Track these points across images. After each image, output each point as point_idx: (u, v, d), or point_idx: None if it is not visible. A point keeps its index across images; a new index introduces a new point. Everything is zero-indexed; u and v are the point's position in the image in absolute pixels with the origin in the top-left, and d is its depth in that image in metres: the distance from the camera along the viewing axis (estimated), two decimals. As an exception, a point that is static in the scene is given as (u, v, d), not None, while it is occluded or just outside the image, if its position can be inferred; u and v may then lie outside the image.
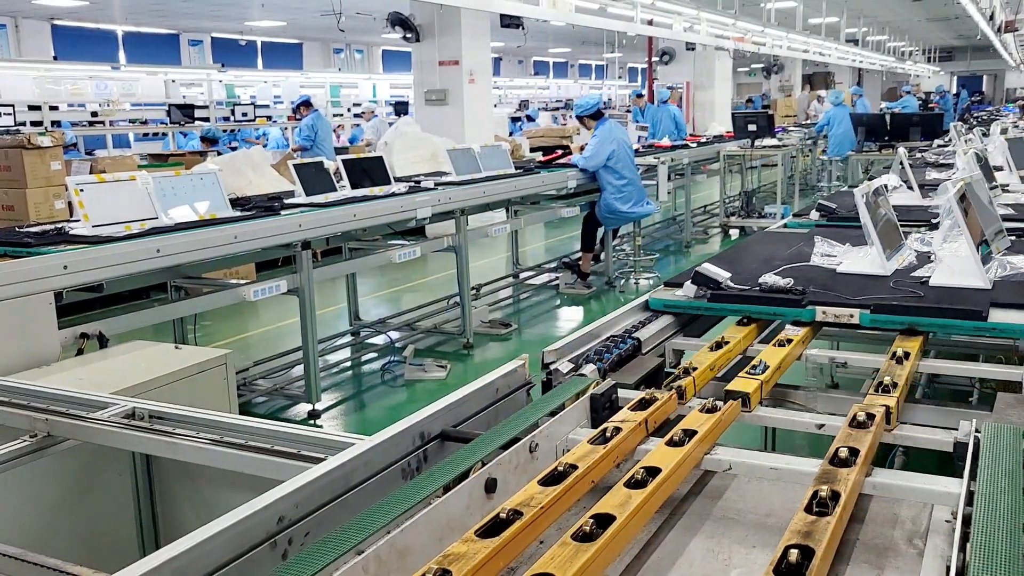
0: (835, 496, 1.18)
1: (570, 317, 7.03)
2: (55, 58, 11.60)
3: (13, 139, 6.70)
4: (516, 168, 6.70)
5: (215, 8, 15.68)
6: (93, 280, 3.40)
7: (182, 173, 4.23)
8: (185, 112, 11.22)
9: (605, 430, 1.46)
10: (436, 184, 5.62)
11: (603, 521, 1.13)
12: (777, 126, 11.80)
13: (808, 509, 1.16)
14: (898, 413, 1.60)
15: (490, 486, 1.35)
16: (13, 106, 9.03)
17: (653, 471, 1.28)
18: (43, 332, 3.16)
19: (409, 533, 1.17)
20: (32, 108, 9.36)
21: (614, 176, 7.03)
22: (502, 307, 7.15)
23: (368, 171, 5.21)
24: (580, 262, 7.59)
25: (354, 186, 5.03)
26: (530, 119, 16.80)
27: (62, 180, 6.81)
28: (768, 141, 10.02)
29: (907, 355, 1.85)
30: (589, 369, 1.81)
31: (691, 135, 11.82)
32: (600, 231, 7.55)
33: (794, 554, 1.04)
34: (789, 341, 1.97)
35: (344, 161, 5.11)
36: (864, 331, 2.25)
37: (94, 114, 10.35)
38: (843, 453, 1.31)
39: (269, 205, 4.43)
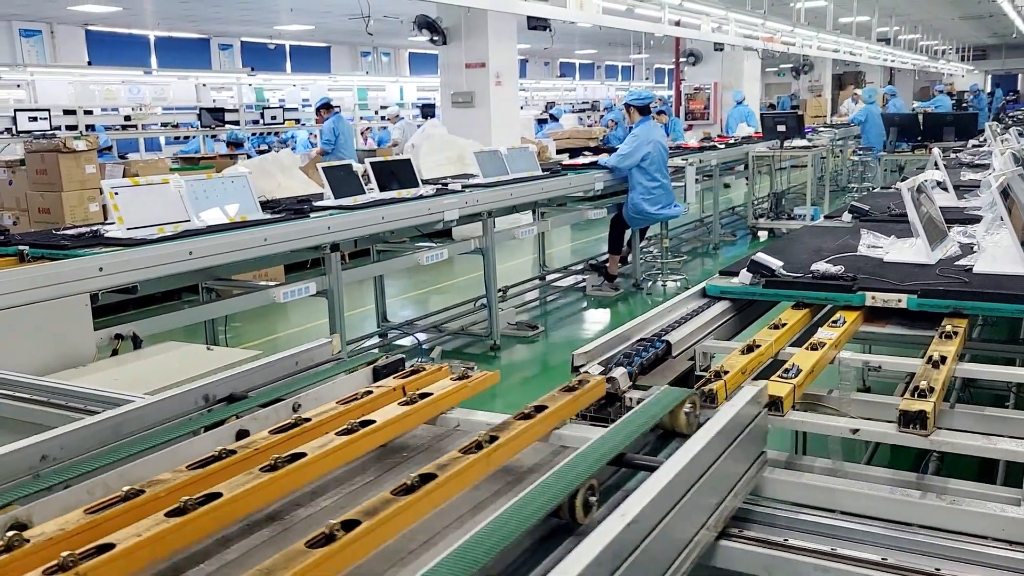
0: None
1: (597, 319, 7.01)
2: (89, 63, 11.77)
3: (49, 143, 6.82)
4: (543, 170, 6.70)
5: (245, 12, 15.84)
6: (128, 282, 3.45)
7: (213, 176, 4.28)
8: (215, 115, 11.35)
9: (357, 395, 1.61)
10: (463, 186, 5.64)
11: (295, 457, 1.29)
12: (806, 126, 11.71)
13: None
14: (934, 418, 1.58)
15: (240, 435, 1.48)
16: (49, 110, 9.19)
17: (367, 423, 1.44)
18: (79, 333, 3.21)
19: (145, 467, 1.33)
20: (67, 112, 9.52)
21: (645, 177, 7.02)
22: (529, 309, 7.15)
23: (396, 174, 5.23)
24: (607, 264, 7.57)
25: (382, 188, 5.06)
26: (554, 119, 16.78)
27: (96, 183, 6.92)
28: (798, 142, 9.93)
29: (943, 359, 1.82)
30: (619, 372, 1.81)
31: (719, 136, 11.75)
32: (628, 233, 7.54)
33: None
34: (822, 344, 1.95)
35: (372, 164, 5.14)
36: (898, 335, 2.24)
37: (127, 118, 10.51)
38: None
39: (299, 208, 4.47)
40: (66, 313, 3.17)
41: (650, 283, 7.65)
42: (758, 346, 1.97)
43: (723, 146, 9.70)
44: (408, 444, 1.59)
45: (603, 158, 7.25)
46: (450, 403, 1.69)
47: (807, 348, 1.94)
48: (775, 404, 1.66)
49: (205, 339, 4.61)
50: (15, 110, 8.92)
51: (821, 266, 2.41)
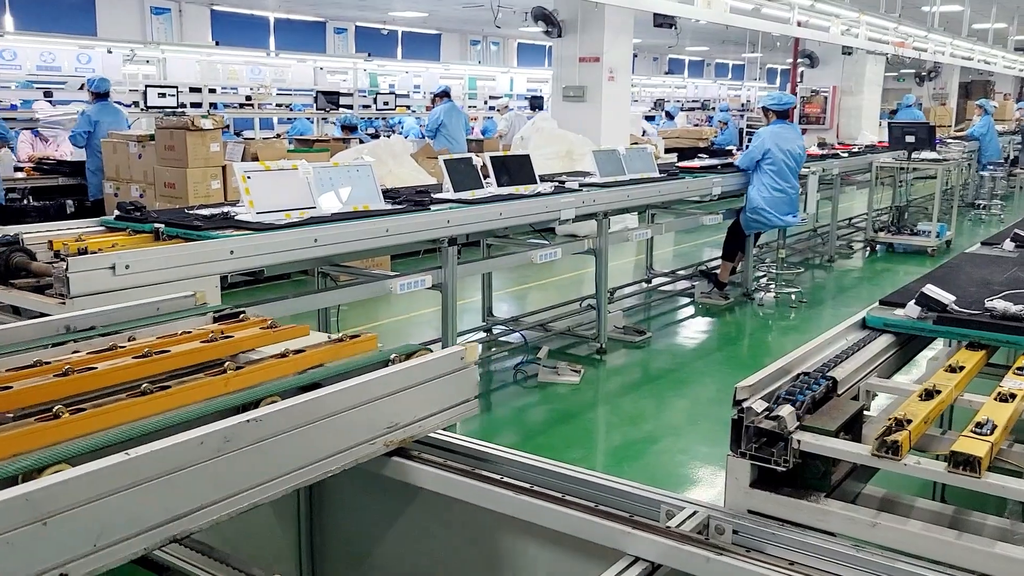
0: None
1: (704, 328, 6.81)
2: (216, 43, 12.16)
3: (179, 120, 7.02)
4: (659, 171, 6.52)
5: (362, -2, 16.13)
6: (256, 266, 3.49)
7: (340, 164, 4.30)
8: (330, 99, 11.55)
9: (176, 332, 2.01)
10: (580, 185, 5.53)
11: (87, 369, 1.65)
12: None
13: None
14: None
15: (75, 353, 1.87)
16: (177, 87, 9.51)
17: (164, 351, 1.81)
18: (208, 315, 3.25)
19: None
20: (192, 90, 9.84)
21: (769, 180, 6.80)
22: (633, 313, 6.99)
23: (515, 169, 5.17)
24: (718, 271, 7.35)
25: (500, 183, 5.00)
26: (669, 116, 16.45)
27: (220, 161, 7.11)
28: (927, 154, 9.42)
29: None
30: (786, 411, 1.67)
31: (839, 143, 11.27)
32: (746, 242, 7.29)
33: None
34: (1012, 396, 1.77)
35: (492, 158, 5.09)
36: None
37: (248, 98, 10.80)
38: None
39: (419, 200, 4.44)
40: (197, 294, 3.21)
41: (762, 294, 7.39)
42: (938, 391, 1.80)
43: (846, 154, 9.29)
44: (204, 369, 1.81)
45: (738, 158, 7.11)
46: (251, 345, 1.97)
47: (995, 399, 1.76)
48: (969, 463, 1.50)
49: (318, 324, 4.64)
50: (146, 86, 9.26)
51: (999, 304, 2.20)
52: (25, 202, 7.96)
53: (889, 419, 1.65)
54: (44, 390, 1.55)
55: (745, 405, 1.71)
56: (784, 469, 1.63)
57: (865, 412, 1.94)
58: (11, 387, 1.52)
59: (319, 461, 1.59)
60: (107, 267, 2.92)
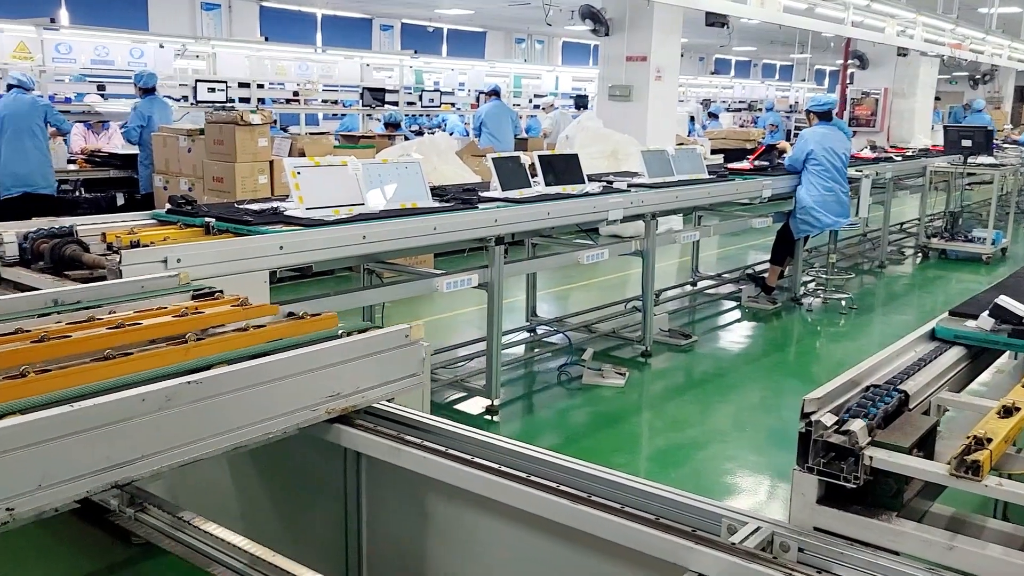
0: None
1: (751, 333, 6.69)
2: (265, 39, 12.28)
3: (228, 115, 7.08)
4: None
5: (409, -5, 16.17)
6: (304, 262, 3.48)
7: (389, 161, 4.28)
8: (376, 95, 11.59)
9: (151, 308, 2.16)
10: (629, 185, 5.46)
11: (62, 336, 1.88)
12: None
13: None
14: None
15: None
16: (226, 82, 9.60)
17: (136, 323, 1.95)
18: (257, 310, 3.25)
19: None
20: (241, 85, 9.93)
21: (818, 180, 6.69)
22: (678, 316, 6.89)
23: (563, 168, 5.11)
24: (766, 275, 7.22)
25: (548, 183, 4.95)
26: (713, 116, 16.23)
27: (267, 156, 7.15)
28: (984, 159, 9.16)
29: None
30: (857, 425, 1.61)
31: (891, 147, 11.02)
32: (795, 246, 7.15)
33: None
34: (1099, 415, 1.67)
35: (540, 157, 5.03)
36: None
37: (295, 94, 10.88)
38: None
39: (467, 198, 4.41)
40: (248, 288, 3.20)
41: (810, 299, 7.23)
42: (1017, 408, 1.72)
43: (899, 158, 9.07)
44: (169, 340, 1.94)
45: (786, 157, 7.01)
46: (220, 320, 2.08)
47: (1080, 418, 1.67)
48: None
49: (363, 320, 4.64)
50: (196, 80, 9.37)
51: (1077, 317, 2.11)
52: (77, 194, 8.10)
53: (967, 437, 1.57)
54: (19, 354, 1.71)
55: (813, 418, 1.65)
56: (854, 486, 1.57)
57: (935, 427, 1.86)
58: None
59: (260, 423, 1.74)
60: (159, 260, 2.93)
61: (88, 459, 1.47)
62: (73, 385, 1.58)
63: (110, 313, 2.13)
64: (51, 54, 8.51)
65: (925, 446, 1.70)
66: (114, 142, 9.07)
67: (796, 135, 11.22)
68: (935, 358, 2.05)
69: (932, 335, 2.22)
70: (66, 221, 3.23)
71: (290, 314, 2.15)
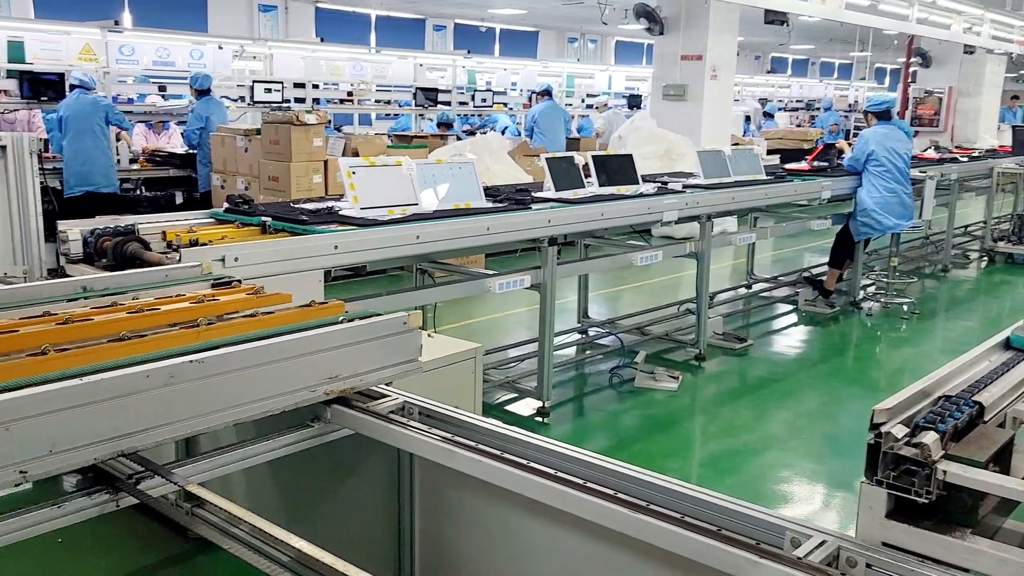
0: None
1: (808, 337, 6.54)
2: (320, 39, 12.42)
3: (284, 115, 7.17)
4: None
5: (463, -5, 16.23)
6: (358, 262, 3.49)
7: (442, 161, 4.28)
8: (428, 96, 11.64)
9: (170, 295, 2.36)
10: (684, 186, 5.38)
11: (85, 320, 2.04)
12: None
13: None
14: None
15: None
16: (282, 83, 9.73)
17: (154, 308, 2.12)
18: (311, 308, 3.27)
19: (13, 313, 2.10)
20: (296, 85, 10.06)
21: (880, 181, 6.51)
22: (732, 319, 6.77)
23: (617, 169, 5.06)
24: (824, 278, 7.05)
25: (602, 183, 4.90)
26: (768, 116, 15.95)
27: (322, 156, 7.23)
28: (1055, 160, 8.83)
29: None
30: (930, 438, 1.54)
31: (956, 147, 10.70)
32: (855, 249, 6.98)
33: None
34: None
35: (594, 157, 4.99)
36: None
37: (349, 94, 10.98)
38: None
39: (520, 198, 4.39)
40: (303, 288, 3.23)
41: (870, 303, 7.05)
42: (1103, 424, 1.63)
43: (965, 158, 8.80)
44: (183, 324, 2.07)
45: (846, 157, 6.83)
46: (234, 307, 2.20)
47: None
48: None
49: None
50: (253, 81, 9.52)
51: None
52: (138, 192, 8.29)
53: (1050, 453, 1.50)
54: (44, 335, 1.86)
55: (884, 429, 1.58)
56: (926, 501, 1.50)
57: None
58: (17, 331, 1.87)
59: (259, 401, 1.87)
60: (217, 259, 2.96)
61: (95, 429, 1.60)
62: (90, 362, 1.71)
63: (133, 299, 2.28)
64: (115, 56, 8.72)
65: (1001, 460, 1.62)
66: (174, 141, 9.26)
67: (855, 135, 10.98)
68: (1010, 368, 1.96)
69: (1007, 344, 2.12)
70: (128, 220, 3.30)
71: (305, 305, 2.25)
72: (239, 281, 2.55)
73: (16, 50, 8.21)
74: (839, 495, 3.84)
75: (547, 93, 10.45)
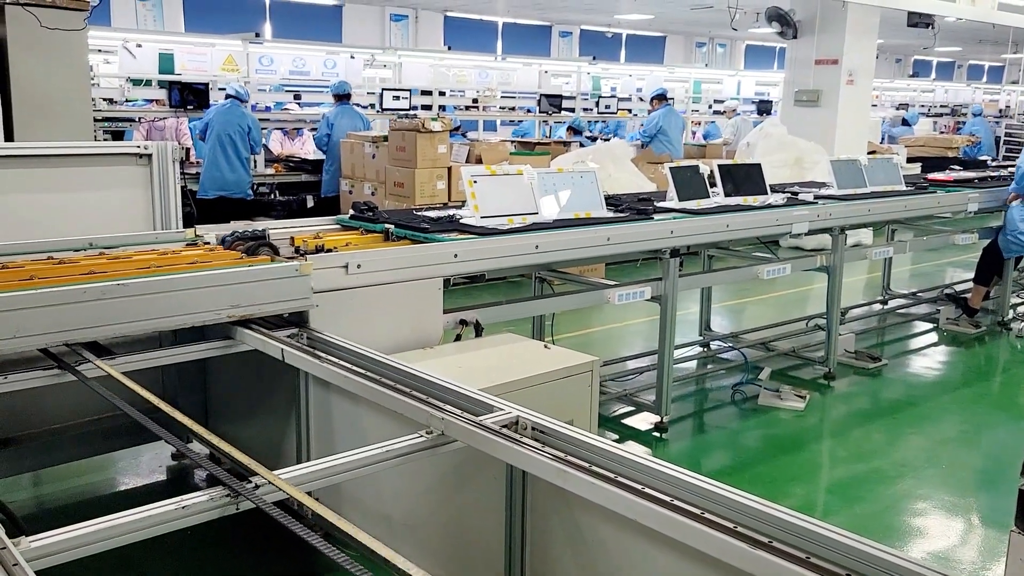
0: None
1: (949, 359, 6.14)
2: (448, 48, 12.65)
3: (411, 122, 7.32)
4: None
5: (589, 2, 16.15)
6: (477, 270, 3.51)
7: (564, 170, 4.25)
8: (552, 102, 11.65)
9: (158, 250, 3.17)
10: (816, 197, 5.14)
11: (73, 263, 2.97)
12: None
13: None
14: None
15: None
16: (410, 91, 9.95)
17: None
18: (431, 315, 3.31)
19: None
20: (423, 93, 10.27)
21: None
22: (865, 337, 6.42)
23: (744, 178, 4.89)
24: (968, 295, 6.60)
25: (728, 194, 4.74)
26: (906, 123, 15.12)
27: (446, 162, 7.34)
28: None
29: None
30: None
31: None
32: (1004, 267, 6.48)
33: None
34: None
35: (720, 166, 4.84)
36: None
37: (474, 100, 11.12)
38: None
39: (642, 208, 4.30)
40: (422, 295, 3.27)
41: (1020, 324, 6.54)
42: None
43: None
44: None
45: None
46: (190, 259, 2.98)
47: None
48: None
49: (532, 330, 4.61)
50: (382, 89, 9.77)
51: None
52: (272, 196, 8.66)
53: None
54: (37, 269, 2.71)
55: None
56: (1089, 559, 1.35)
57: None
58: (24, 266, 2.74)
59: (173, 316, 2.62)
60: (340, 266, 3.03)
61: (46, 323, 2.41)
62: (58, 284, 2.50)
63: (122, 250, 3.08)
64: (255, 66, 9.12)
65: None
66: (307, 147, 9.63)
67: (1007, 143, 10.25)
68: None
69: None
70: (259, 225, 3.43)
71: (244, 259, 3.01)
72: (210, 244, 3.31)
73: (166, 62, 8.72)
74: (982, 531, 3.56)
75: (663, 97, 10.24)
